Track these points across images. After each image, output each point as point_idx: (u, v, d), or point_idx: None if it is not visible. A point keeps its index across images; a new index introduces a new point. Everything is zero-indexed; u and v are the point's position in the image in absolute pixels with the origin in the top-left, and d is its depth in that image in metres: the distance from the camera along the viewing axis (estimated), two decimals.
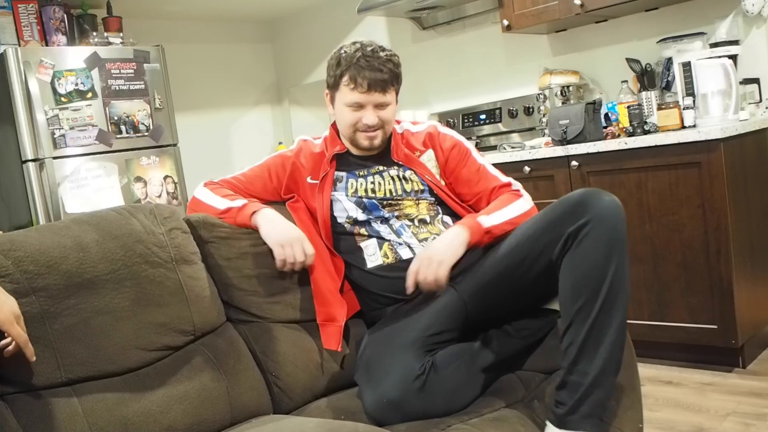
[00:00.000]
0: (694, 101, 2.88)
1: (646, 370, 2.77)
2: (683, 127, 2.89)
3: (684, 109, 2.90)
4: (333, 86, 1.77)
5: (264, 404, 1.58)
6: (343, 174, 1.81)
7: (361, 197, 1.77)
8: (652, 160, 2.70)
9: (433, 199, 1.81)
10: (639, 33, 3.32)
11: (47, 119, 3.29)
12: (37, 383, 1.30)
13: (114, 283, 1.43)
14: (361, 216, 1.76)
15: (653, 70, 3.16)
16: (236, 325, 1.67)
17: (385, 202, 1.77)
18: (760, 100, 2.96)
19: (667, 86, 3.13)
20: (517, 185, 1.82)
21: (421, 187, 1.80)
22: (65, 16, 3.60)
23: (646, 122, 2.95)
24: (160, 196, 3.68)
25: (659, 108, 2.97)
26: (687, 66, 2.90)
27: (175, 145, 3.77)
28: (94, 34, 3.67)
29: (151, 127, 3.66)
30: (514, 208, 1.71)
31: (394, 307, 1.70)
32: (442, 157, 1.85)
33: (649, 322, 2.79)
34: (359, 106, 1.73)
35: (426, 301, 1.62)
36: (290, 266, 1.68)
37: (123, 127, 3.56)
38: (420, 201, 1.79)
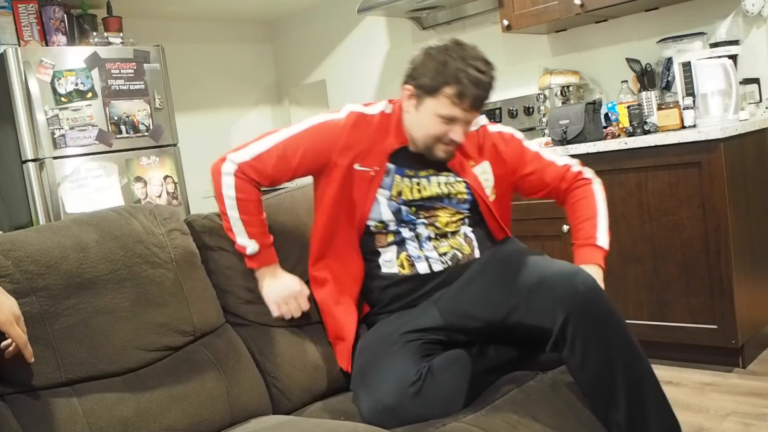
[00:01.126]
0: (694, 101, 2.88)
1: None
2: (683, 127, 2.89)
3: (684, 109, 2.91)
4: (429, 91, 1.60)
5: (263, 405, 1.58)
6: (392, 167, 1.68)
7: (401, 205, 1.67)
8: (652, 160, 2.70)
9: (469, 211, 1.73)
10: (639, 33, 3.31)
11: (47, 119, 3.29)
12: (37, 383, 1.30)
13: (114, 284, 1.43)
14: (392, 225, 1.68)
15: (653, 70, 3.16)
16: (234, 327, 1.67)
17: (422, 212, 1.68)
18: (760, 100, 2.96)
19: (667, 86, 3.13)
20: (574, 165, 1.82)
21: (466, 197, 1.71)
22: (65, 16, 3.60)
23: (646, 122, 2.95)
24: (160, 196, 3.68)
25: (659, 108, 2.97)
26: (687, 66, 2.90)
27: (175, 145, 3.77)
28: (94, 34, 3.68)
29: (151, 127, 3.66)
30: (601, 207, 1.78)
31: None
32: (504, 162, 1.77)
33: (649, 322, 2.79)
34: (452, 120, 1.60)
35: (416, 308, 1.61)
36: (288, 316, 1.67)
37: (123, 127, 3.56)
38: (458, 212, 1.71)
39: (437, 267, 1.64)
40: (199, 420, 1.44)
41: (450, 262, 1.65)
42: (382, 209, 1.67)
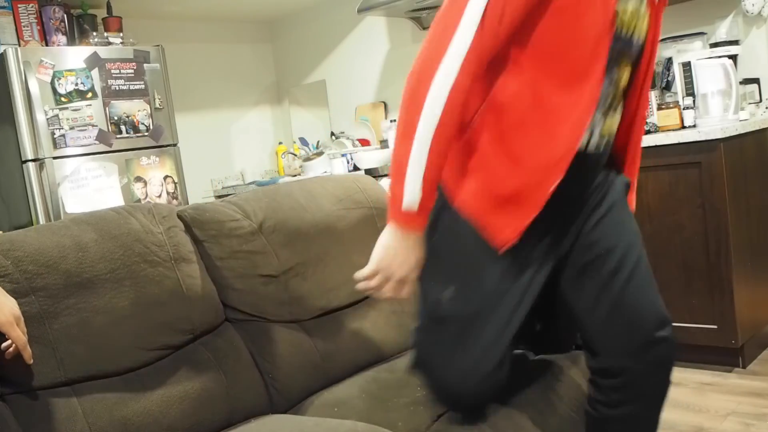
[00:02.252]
0: (694, 101, 2.88)
1: None
2: (683, 127, 2.89)
3: (684, 109, 2.91)
4: None
5: (262, 404, 1.58)
6: None
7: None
8: (652, 160, 2.70)
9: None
10: None
11: (47, 119, 3.29)
12: (36, 383, 1.30)
13: (113, 283, 1.43)
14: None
15: (653, 70, 3.16)
16: (234, 325, 1.66)
17: (619, 57, 1.21)
18: (760, 100, 2.97)
19: (667, 86, 3.13)
20: None
21: (644, 38, 1.25)
22: (65, 16, 3.60)
23: (646, 122, 2.95)
24: (160, 196, 3.68)
25: (659, 108, 2.97)
26: (687, 66, 2.90)
27: (175, 145, 3.77)
28: (94, 34, 3.68)
29: (151, 127, 3.66)
30: None
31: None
32: None
33: None
34: None
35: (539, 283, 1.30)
36: (370, 292, 1.29)
37: (123, 127, 3.56)
38: (629, 65, 1.26)
39: (591, 149, 1.25)
40: (199, 420, 1.44)
41: (599, 150, 1.27)
42: None
